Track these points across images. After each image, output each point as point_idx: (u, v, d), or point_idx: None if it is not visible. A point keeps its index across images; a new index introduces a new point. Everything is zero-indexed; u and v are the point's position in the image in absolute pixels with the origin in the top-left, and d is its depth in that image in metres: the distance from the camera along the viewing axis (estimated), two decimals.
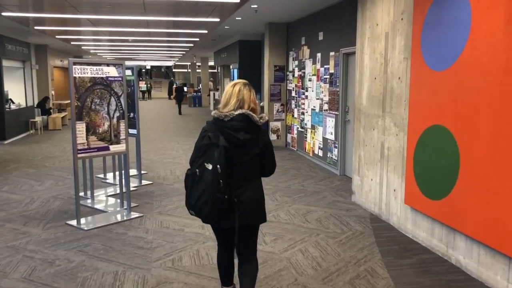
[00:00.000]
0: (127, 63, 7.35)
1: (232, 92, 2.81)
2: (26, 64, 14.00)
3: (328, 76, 7.97)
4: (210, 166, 2.67)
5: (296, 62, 9.79)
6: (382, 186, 5.24)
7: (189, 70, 35.73)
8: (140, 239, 4.61)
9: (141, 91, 32.76)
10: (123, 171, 5.58)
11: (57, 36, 13.07)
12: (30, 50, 14.35)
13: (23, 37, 12.98)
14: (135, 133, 7.05)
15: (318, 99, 8.48)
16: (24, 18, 9.56)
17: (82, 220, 5.12)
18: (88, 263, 4.01)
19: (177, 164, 8.55)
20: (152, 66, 38.37)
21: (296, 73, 9.80)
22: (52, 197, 6.23)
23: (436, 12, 4.10)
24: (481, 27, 3.53)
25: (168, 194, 6.38)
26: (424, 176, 4.31)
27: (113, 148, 5.27)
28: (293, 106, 10.10)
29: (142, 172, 7.55)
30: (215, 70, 26.73)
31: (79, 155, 4.95)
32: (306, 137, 9.24)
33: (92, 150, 5.06)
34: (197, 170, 2.72)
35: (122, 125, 5.33)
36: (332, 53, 7.78)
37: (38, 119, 13.80)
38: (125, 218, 5.25)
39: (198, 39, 14.70)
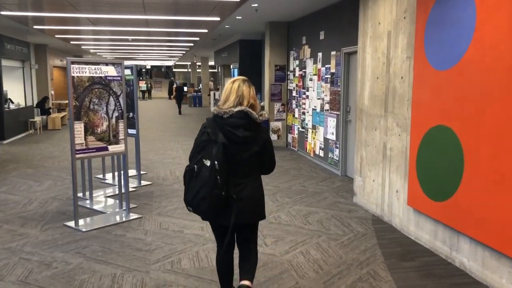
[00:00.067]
0: (127, 62, 7.29)
1: (232, 88, 2.81)
2: (25, 63, 13.95)
3: (329, 76, 7.90)
4: (208, 162, 2.66)
5: (297, 62, 9.72)
6: (384, 187, 5.17)
7: (190, 70, 35.68)
8: (139, 240, 4.55)
9: (141, 91, 32.71)
10: (122, 172, 5.51)
11: (56, 36, 13.00)
12: (30, 49, 14.29)
13: (22, 36, 12.92)
14: (135, 133, 6.99)
15: (319, 99, 8.41)
16: (23, 17, 9.50)
17: (81, 222, 5.05)
18: (85, 265, 3.95)
19: (177, 165, 8.49)
20: (152, 66, 38.32)
21: (297, 73, 9.73)
22: (51, 198, 6.16)
23: (439, 10, 4.03)
24: (486, 26, 3.46)
25: (167, 195, 6.32)
26: (427, 177, 4.24)
27: (112, 148, 5.21)
28: (293, 106, 10.03)
29: (142, 172, 7.49)
30: (216, 70, 26.67)
31: (78, 156, 4.88)
32: (307, 137, 9.17)
33: (90, 151, 4.99)
34: (195, 166, 2.72)
35: (121, 125, 5.27)
36: (333, 53, 7.71)
37: (38, 119, 13.74)
38: (124, 220, 5.19)
39: (198, 39, 14.63)
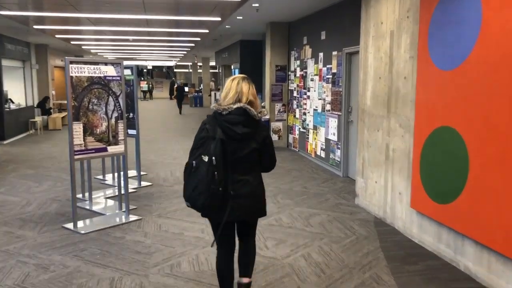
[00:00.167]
0: (128, 63, 7.23)
1: (231, 86, 2.84)
2: (26, 63, 13.91)
3: (330, 76, 7.83)
4: (206, 158, 2.69)
5: (298, 62, 9.66)
6: (386, 189, 5.10)
7: (191, 70, 35.63)
8: (138, 243, 4.49)
9: (142, 91, 32.65)
10: (121, 173, 5.45)
11: (57, 36, 12.95)
12: (30, 49, 14.25)
13: (23, 36, 12.87)
14: (135, 133, 6.93)
15: (320, 99, 8.34)
16: (23, 17, 9.44)
17: (79, 224, 4.99)
18: (84, 268, 3.88)
19: (178, 165, 8.43)
20: (153, 66, 38.28)
21: (298, 73, 9.67)
22: (50, 199, 6.10)
23: (444, 9, 3.96)
24: (492, 25, 3.39)
25: (167, 196, 6.25)
26: (431, 179, 4.17)
27: (111, 149, 5.15)
28: (294, 106, 9.96)
29: (142, 173, 7.42)
30: (217, 70, 26.61)
31: (76, 157, 4.82)
32: (308, 138, 9.10)
33: (89, 151, 4.93)
34: (194, 161, 2.75)
35: (121, 126, 5.21)
36: (334, 53, 7.64)
37: (38, 119, 13.69)
38: (123, 221, 5.13)
39: (199, 39, 14.57)
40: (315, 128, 8.68)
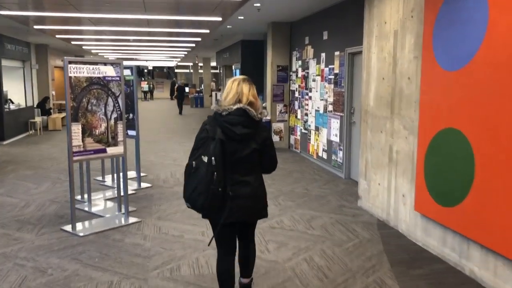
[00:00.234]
0: (129, 63, 7.16)
1: (231, 87, 2.85)
2: (26, 64, 13.84)
3: (332, 77, 7.75)
4: (205, 159, 2.69)
5: (300, 62, 9.58)
6: (390, 191, 5.03)
7: (191, 71, 35.56)
8: (137, 246, 4.41)
9: (143, 91, 32.59)
10: (121, 174, 5.38)
11: (57, 36, 12.89)
12: (30, 49, 14.19)
13: (23, 36, 12.81)
14: (134, 134, 6.85)
15: (322, 100, 8.27)
16: (22, 17, 9.38)
17: (78, 226, 4.92)
18: (82, 272, 3.81)
19: (178, 166, 8.35)
20: (154, 67, 38.22)
21: (300, 73, 9.59)
22: (48, 201, 6.03)
23: (449, 9, 3.89)
24: (499, 25, 3.31)
25: (168, 198, 6.18)
26: (435, 181, 4.10)
27: (111, 150, 5.08)
28: (296, 107, 9.89)
29: (142, 174, 7.35)
30: (217, 71, 26.54)
31: (75, 158, 4.75)
32: (309, 139, 9.02)
33: (88, 153, 4.86)
34: (193, 162, 2.76)
35: (120, 127, 5.14)
36: (337, 53, 7.57)
37: (38, 119, 13.63)
38: (122, 224, 5.05)
39: (200, 39, 14.50)
40: (317, 129, 8.61)
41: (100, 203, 5.96)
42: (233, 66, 18.40)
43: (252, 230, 3.12)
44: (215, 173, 2.66)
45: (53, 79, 16.97)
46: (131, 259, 4.09)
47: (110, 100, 5.02)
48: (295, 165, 8.47)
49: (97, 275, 3.75)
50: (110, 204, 5.90)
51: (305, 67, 9.24)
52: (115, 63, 5.04)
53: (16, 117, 12.36)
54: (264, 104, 11.03)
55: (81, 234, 4.71)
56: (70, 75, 4.65)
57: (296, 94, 9.85)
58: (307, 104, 9.11)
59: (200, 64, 28.85)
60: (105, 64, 4.95)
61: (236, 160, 2.77)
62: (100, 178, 7.25)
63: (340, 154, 7.50)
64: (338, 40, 7.52)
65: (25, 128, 13.10)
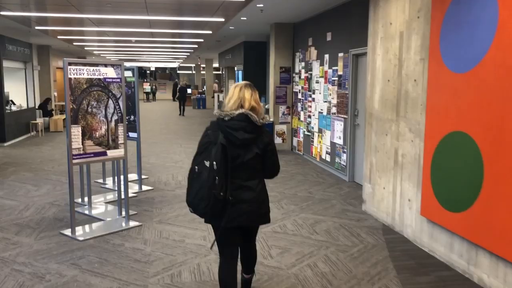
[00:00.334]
0: (131, 64, 7.09)
1: (233, 92, 2.87)
2: (27, 65, 13.79)
3: (336, 78, 7.66)
4: (207, 163, 2.70)
5: (303, 64, 9.50)
6: (395, 195, 4.93)
7: (194, 72, 35.51)
8: (137, 251, 4.33)
9: (145, 92, 32.53)
10: (121, 177, 5.30)
11: (59, 37, 12.85)
12: (32, 50, 14.14)
13: (24, 37, 12.77)
14: (136, 137, 6.77)
15: (325, 102, 8.17)
16: (23, 17, 9.33)
17: (78, 229, 4.84)
18: (80, 278, 3.73)
19: (179, 169, 8.27)
20: (156, 68, 38.16)
21: (303, 75, 9.50)
22: (48, 204, 5.96)
23: (457, 9, 3.79)
24: (509, 26, 3.22)
25: (169, 201, 6.09)
26: (443, 186, 4.00)
27: (111, 153, 4.99)
28: (299, 108, 9.80)
29: (143, 177, 7.28)
30: (220, 72, 26.49)
31: (75, 161, 4.67)
32: (312, 141, 8.93)
33: (88, 156, 4.78)
34: (196, 167, 2.77)
35: (121, 129, 5.06)
36: (340, 54, 7.48)
37: (39, 120, 13.58)
38: (123, 228, 4.97)
39: (202, 40, 14.44)
40: (320, 131, 8.51)
41: (100, 206, 5.88)
42: (235, 68, 18.33)
43: (254, 235, 3.14)
44: (217, 177, 2.66)
45: (55, 80, 16.94)
46: (131, 264, 4.01)
47: (110, 102, 4.94)
48: (298, 168, 8.38)
49: (96, 282, 3.66)
50: (110, 207, 5.82)
51: (308, 68, 9.15)
52: (116, 65, 4.97)
53: (17, 118, 12.31)
54: (266, 106, 10.95)
55: (81, 238, 4.63)
56: (70, 76, 4.58)
57: (299, 96, 9.76)
58: (310, 106, 9.02)
59: (203, 66, 28.84)
60: (105, 65, 4.87)
61: (238, 165, 2.77)
62: (101, 180, 7.17)
63: (344, 156, 7.41)
64: (342, 42, 7.43)
65: (27, 130, 13.05)
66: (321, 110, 8.39)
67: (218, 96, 22.14)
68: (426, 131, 4.25)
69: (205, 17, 9.28)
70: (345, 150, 7.35)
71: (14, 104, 12.65)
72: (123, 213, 5.25)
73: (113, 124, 4.98)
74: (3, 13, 8.50)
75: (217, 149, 2.69)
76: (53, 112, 15.34)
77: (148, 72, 37.99)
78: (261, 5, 7.88)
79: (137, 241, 4.58)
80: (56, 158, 9.43)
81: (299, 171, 8.10)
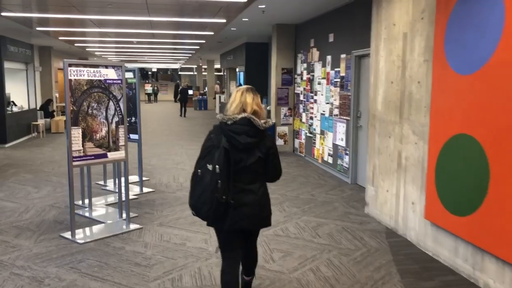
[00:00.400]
0: (133, 65, 7.06)
1: (235, 96, 2.90)
2: (29, 66, 13.77)
3: (338, 80, 7.61)
4: (210, 167, 2.72)
5: (305, 65, 9.45)
6: (399, 198, 4.87)
7: (195, 73, 35.49)
8: (138, 254, 4.28)
9: (147, 93, 32.51)
10: (122, 179, 5.25)
11: (60, 38, 12.82)
12: (33, 51, 14.12)
13: (26, 38, 12.74)
14: (137, 138, 6.73)
15: (328, 103, 8.12)
16: (24, 18, 9.30)
17: (78, 232, 4.79)
18: (80, 282, 3.68)
19: (181, 170, 8.22)
20: (158, 69, 38.16)
21: (305, 76, 9.46)
22: (48, 206, 5.91)
23: (462, 10, 3.74)
24: None
25: (170, 203, 6.04)
26: (447, 189, 3.94)
27: (112, 155, 4.95)
28: (301, 110, 9.75)
29: (144, 178, 7.23)
30: (222, 73, 26.46)
31: (75, 163, 4.62)
32: (314, 143, 8.87)
33: (88, 158, 4.73)
34: (199, 170, 2.78)
35: (121, 131, 5.01)
36: (343, 56, 7.43)
37: (41, 122, 13.55)
38: (123, 230, 4.92)
39: (204, 41, 14.41)
40: (322, 133, 8.46)
41: (101, 208, 5.83)
42: (237, 69, 18.31)
43: (255, 237, 3.16)
44: (219, 181, 2.67)
45: (56, 81, 16.91)
46: (131, 268, 3.96)
47: (111, 103, 4.90)
48: (300, 170, 8.32)
49: (95, 286, 3.61)
50: (111, 209, 5.78)
51: (310, 70, 9.10)
52: (117, 66, 4.92)
53: (18, 119, 12.28)
54: (268, 108, 10.90)
55: (81, 241, 4.58)
56: (70, 78, 4.53)
57: (301, 97, 9.71)
58: (312, 108, 8.96)
59: (204, 67, 28.82)
60: (106, 66, 4.82)
61: (241, 168, 2.79)
62: (101, 182, 7.13)
63: (346, 158, 7.35)
64: (344, 43, 7.38)
65: (28, 131, 13.02)
66: (323, 111, 8.34)
67: (220, 97, 22.10)
68: (431, 133, 4.19)
69: (206, 18, 9.24)
70: (348, 152, 7.29)
71: (15, 105, 12.63)
72: (124, 215, 5.21)
73: (113, 126, 4.93)
74: (4, 14, 8.47)
75: (219, 152, 2.70)
76: (55, 113, 15.31)
77: (149, 73, 37.99)
78: (263, 6, 7.83)
79: (138, 244, 4.53)
80: (57, 159, 9.40)
81: (301, 173, 8.04)
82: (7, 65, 11.72)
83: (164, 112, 23.67)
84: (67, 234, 4.74)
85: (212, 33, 11.79)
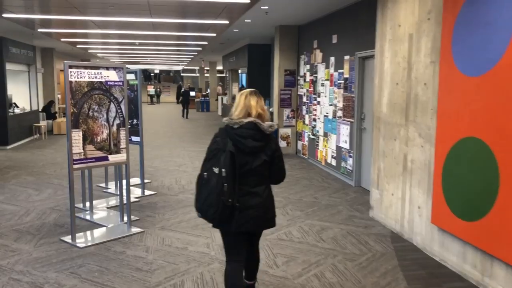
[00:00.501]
0: (136, 67, 7.01)
1: (240, 100, 2.94)
2: (31, 67, 13.73)
3: (342, 81, 7.53)
4: (216, 170, 2.75)
5: (308, 67, 9.37)
6: (404, 202, 4.79)
7: (198, 75, 35.45)
8: (139, 259, 4.21)
9: (149, 95, 32.49)
10: (124, 182, 5.18)
11: (62, 39, 12.79)
12: (36, 53, 14.08)
13: (28, 40, 12.71)
14: (139, 140, 6.66)
15: (331, 105, 8.04)
16: (26, 20, 9.26)
17: (78, 236, 4.72)
18: (80, 287, 3.61)
19: (183, 173, 8.15)
20: (160, 70, 38.13)
21: (308, 78, 9.38)
22: (49, 209, 5.85)
23: (470, 10, 3.66)
24: None
25: (172, 206, 5.97)
26: (455, 193, 3.85)
27: (113, 158, 4.89)
28: (304, 112, 9.67)
29: (146, 181, 7.17)
30: (224, 75, 26.40)
31: (75, 166, 4.56)
32: (318, 145, 8.79)
33: (89, 161, 4.67)
34: (205, 173, 2.81)
35: (123, 133, 4.95)
36: (346, 57, 7.35)
37: (43, 123, 13.51)
38: (124, 234, 4.85)
39: (206, 43, 14.35)
40: (325, 135, 8.38)
41: (102, 211, 5.77)
42: (239, 70, 18.24)
43: (257, 239, 3.18)
44: (225, 184, 2.71)
45: (58, 83, 16.88)
46: (132, 273, 3.89)
47: (112, 105, 4.83)
48: (303, 172, 8.24)
49: None
50: (112, 212, 5.71)
51: (313, 71, 9.03)
52: (118, 67, 4.86)
53: (20, 121, 12.24)
54: (270, 109, 10.83)
55: (81, 245, 4.51)
56: (70, 79, 4.47)
57: (304, 99, 9.64)
58: (315, 110, 8.89)
59: (207, 68, 28.76)
60: (107, 68, 4.76)
61: (246, 171, 2.82)
62: (103, 184, 7.06)
63: (350, 161, 7.27)
64: (348, 44, 7.30)
65: (30, 133, 12.98)
66: (327, 113, 8.26)
67: (222, 99, 22.03)
68: (437, 136, 4.11)
69: (209, 20, 9.19)
70: (351, 155, 7.21)
71: (17, 106, 12.59)
72: (125, 218, 5.14)
73: (114, 128, 4.87)
74: (6, 15, 8.43)
75: (226, 156, 2.74)
76: (57, 114, 15.27)
77: (152, 74, 37.97)
78: (266, 7, 7.77)
79: (139, 249, 4.46)
80: (58, 161, 9.34)
81: (304, 175, 7.96)
82: (9, 66, 11.68)
83: (166, 113, 23.63)
84: (68, 238, 4.67)
85: (215, 34, 11.73)
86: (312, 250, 4.43)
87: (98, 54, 19.71)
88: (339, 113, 7.66)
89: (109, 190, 6.83)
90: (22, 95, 13.24)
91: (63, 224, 5.23)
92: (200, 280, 3.75)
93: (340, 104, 7.60)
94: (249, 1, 7.17)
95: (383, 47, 5.23)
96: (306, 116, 9.49)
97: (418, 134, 4.51)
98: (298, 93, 10.07)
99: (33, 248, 4.48)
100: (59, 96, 17.04)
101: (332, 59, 7.99)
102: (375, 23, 5.49)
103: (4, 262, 4.12)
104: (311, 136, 9.18)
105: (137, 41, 13.96)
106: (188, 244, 4.57)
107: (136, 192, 6.60)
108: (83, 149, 4.59)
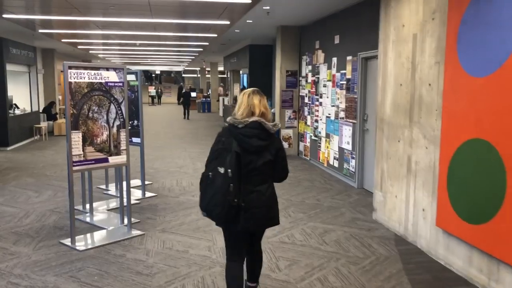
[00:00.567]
0: (137, 67, 6.95)
1: (243, 99, 2.95)
2: (31, 68, 13.70)
3: (344, 82, 7.47)
4: (222, 170, 2.75)
5: (310, 67, 9.31)
6: (408, 204, 4.72)
7: (199, 75, 35.40)
8: (139, 262, 4.14)
9: (150, 96, 32.46)
10: (124, 184, 5.12)
11: (62, 40, 12.75)
12: (36, 54, 14.04)
13: (28, 41, 12.67)
14: (139, 142, 6.60)
15: (333, 106, 7.98)
16: (27, 20, 9.21)
17: (78, 239, 4.66)
18: None
19: (184, 174, 8.09)
20: (161, 71, 38.10)
21: (310, 79, 9.32)
22: (49, 211, 5.79)
23: (477, 9, 3.60)
24: None
25: (173, 208, 5.91)
26: (460, 196, 3.79)
27: (113, 160, 4.83)
28: (306, 113, 9.60)
29: (146, 182, 7.11)
30: (225, 75, 26.35)
31: (75, 168, 4.50)
32: (320, 146, 8.73)
33: (89, 162, 4.61)
34: (210, 173, 2.81)
35: (123, 135, 4.89)
36: (349, 58, 7.29)
37: (43, 124, 13.46)
38: (125, 237, 4.79)
39: (207, 44, 14.30)
40: (327, 136, 8.31)
41: (102, 213, 5.71)
42: (240, 71, 18.19)
43: (259, 237, 3.19)
44: (231, 184, 2.73)
45: (59, 84, 16.83)
46: (132, 277, 3.82)
47: (112, 107, 4.78)
48: (305, 173, 8.18)
49: None
50: (112, 215, 5.65)
51: (315, 72, 8.96)
52: (118, 68, 4.80)
53: (21, 122, 12.19)
54: (272, 110, 10.76)
55: (81, 248, 4.45)
56: (70, 80, 4.42)
57: (306, 100, 9.57)
58: (317, 111, 8.82)
59: (208, 69, 28.71)
60: (107, 69, 4.70)
61: (250, 170, 2.84)
62: (103, 186, 7.01)
63: (353, 162, 7.20)
64: (351, 44, 7.24)
65: (30, 134, 12.93)
66: (329, 114, 8.20)
67: (223, 99, 21.98)
68: (442, 138, 4.04)
69: (210, 20, 9.13)
70: (354, 156, 7.15)
71: (17, 107, 12.55)
72: (125, 221, 5.08)
73: (115, 129, 4.81)
74: (6, 16, 8.39)
75: (231, 156, 2.75)
76: (57, 115, 15.22)
77: (153, 75, 37.94)
78: (268, 8, 7.71)
79: (139, 252, 4.40)
80: (59, 163, 9.29)
81: (306, 177, 7.90)
82: (9, 67, 11.64)
83: (167, 114, 23.58)
84: (67, 241, 4.61)
85: (216, 35, 11.68)
86: (315, 253, 4.37)
87: (99, 55, 19.66)
88: (342, 114, 7.59)
89: (109, 192, 6.78)
90: (23, 96, 13.21)
91: (62, 226, 5.17)
92: (201, 284, 3.69)
93: (343, 105, 7.53)
94: (250, 1, 7.11)
95: (387, 48, 5.17)
96: (308, 117, 9.42)
97: (423, 136, 4.44)
98: (300, 94, 10.01)
99: (32, 251, 4.42)
100: (60, 97, 16.99)
101: (335, 59, 7.93)
102: (378, 23, 5.43)
103: (3, 265, 4.06)
104: (313, 137, 9.12)
105: (138, 42, 13.92)
106: (189, 247, 4.51)
107: (136, 194, 6.54)
108: (83, 150, 4.54)
